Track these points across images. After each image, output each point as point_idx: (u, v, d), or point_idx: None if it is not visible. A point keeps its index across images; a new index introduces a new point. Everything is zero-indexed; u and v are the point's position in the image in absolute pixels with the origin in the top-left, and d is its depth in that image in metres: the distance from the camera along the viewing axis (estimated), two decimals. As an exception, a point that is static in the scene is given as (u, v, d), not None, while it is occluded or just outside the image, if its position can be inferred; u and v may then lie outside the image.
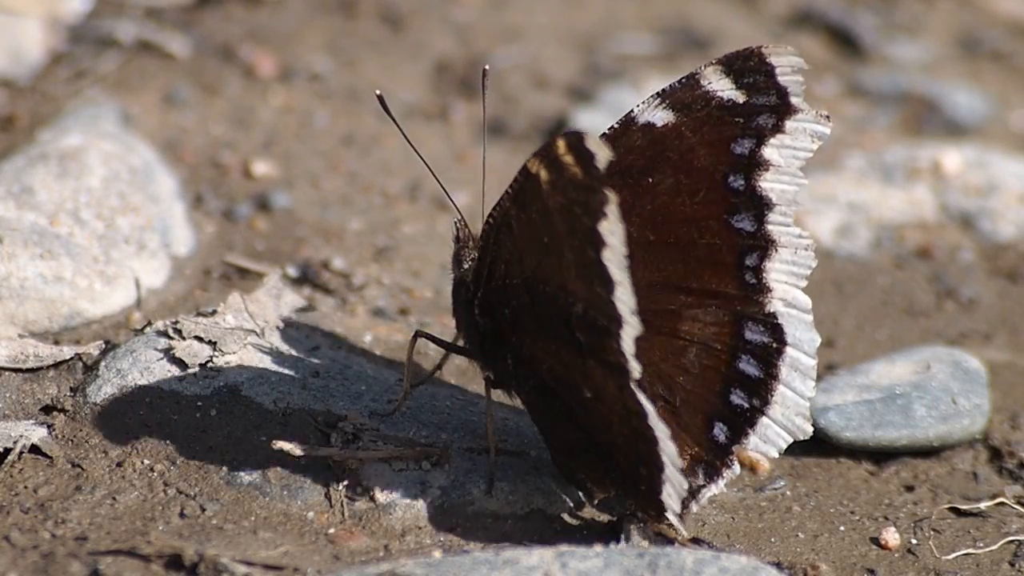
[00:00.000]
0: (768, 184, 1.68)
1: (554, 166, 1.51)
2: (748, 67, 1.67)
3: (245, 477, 1.70)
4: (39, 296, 1.88)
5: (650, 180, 1.67)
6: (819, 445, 1.81)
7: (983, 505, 1.76)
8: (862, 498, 1.77)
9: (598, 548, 1.58)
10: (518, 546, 1.59)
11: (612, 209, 1.48)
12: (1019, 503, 1.77)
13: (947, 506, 1.76)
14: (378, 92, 1.70)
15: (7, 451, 1.70)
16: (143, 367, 1.78)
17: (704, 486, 1.66)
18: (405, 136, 1.74)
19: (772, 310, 1.67)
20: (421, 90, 2.39)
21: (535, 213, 1.56)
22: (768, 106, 1.67)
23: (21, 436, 1.71)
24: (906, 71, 2.51)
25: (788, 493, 1.77)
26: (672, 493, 1.59)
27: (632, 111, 1.68)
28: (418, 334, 1.72)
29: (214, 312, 1.85)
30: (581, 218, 1.50)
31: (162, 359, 1.79)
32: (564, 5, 2.59)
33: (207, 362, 1.79)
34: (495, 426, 1.69)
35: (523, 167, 1.54)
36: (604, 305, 1.52)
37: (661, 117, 1.67)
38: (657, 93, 1.68)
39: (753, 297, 1.68)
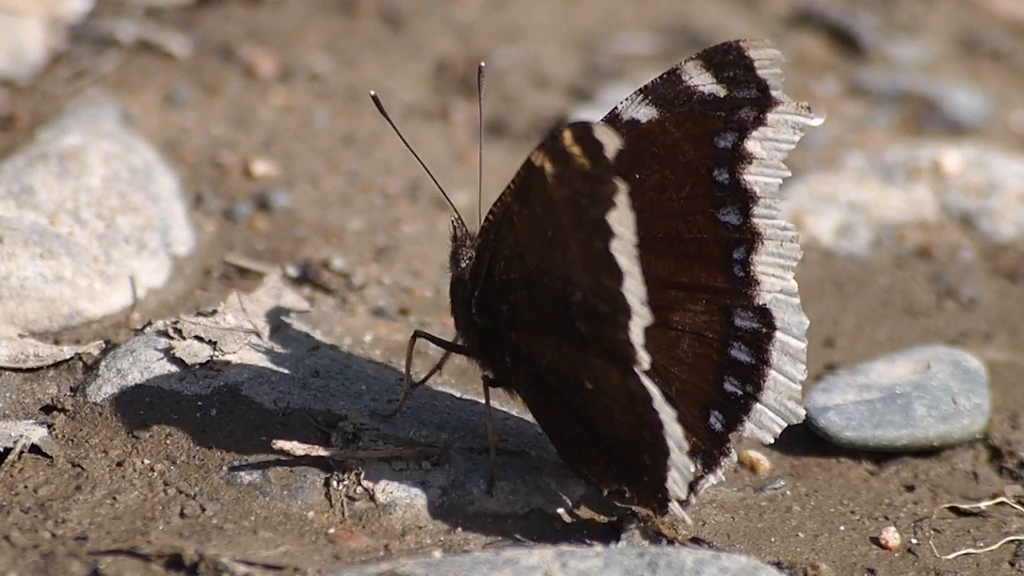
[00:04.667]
0: (752, 177, 1.68)
1: (560, 158, 1.51)
2: (727, 61, 1.68)
3: (245, 477, 1.70)
4: (39, 296, 1.88)
5: (637, 176, 1.68)
6: (819, 445, 1.81)
7: (983, 505, 1.76)
8: (862, 498, 1.77)
9: (598, 548, 1.58)
10: (518, 546, 1.59)
11: (622, 199, 1.49)
12: (1019, 503, 1.77)
13: (947, 506, 1.76)
14: (373, 93, 1.70)
15: (7, 451, 1.70)
16: (143, 367, 1.78)
17: (702, 476, 1.67)
18: (401, 137, 1.74)
19: (761, 302, 1.68)
20: (421, 90, 2.39)
21: (539, 207, 1.56)
22: (749, 99, 1.68)
23: (21, 436, 1.71)
24: (906, 71, 2.51)
25: (788, 493, 1.77)
26: (678, 479, 1.59)
27: (616, 108, 1.68)
28: (417, 334, 1.72)
29: (214, 312, 1.85)
30: (588, 209, 1.50)
31: (162, 359, 1.79)
32: (564, 5, 2.59)
33: (207, 362, 1.79)
34: (495, 426, 1.69)
35: (526, 160, 1.54)
36: (613, 296, 1.52)
37: (645, 113, 1.68)
38: (639, 90, 1.68)
39: (742, 290, 1.68)
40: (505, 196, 1.61)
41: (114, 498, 1.67)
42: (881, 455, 1.81)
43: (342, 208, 2.14)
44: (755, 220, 1.68)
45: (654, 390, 1.56)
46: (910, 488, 1.79)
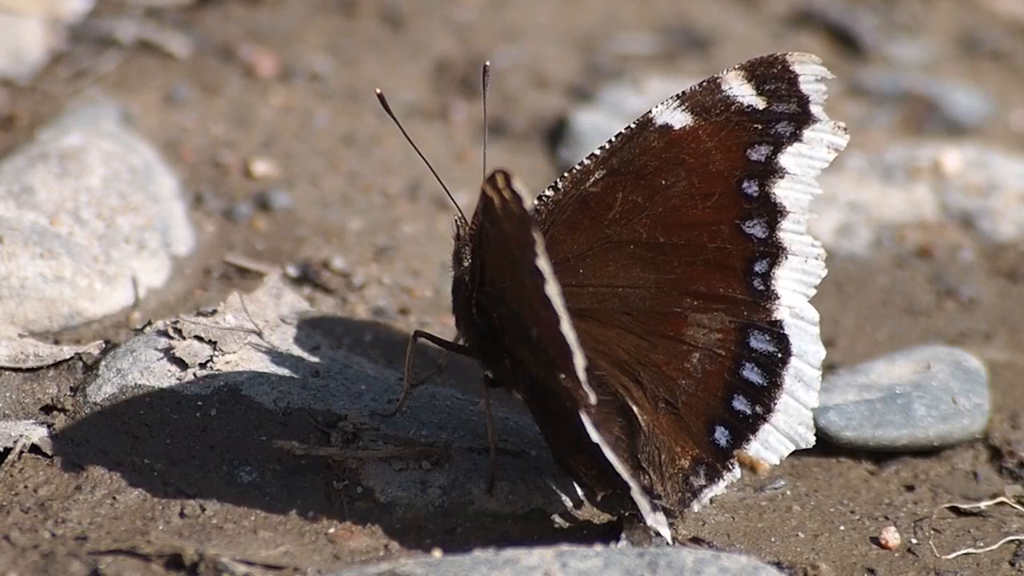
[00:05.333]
0: (782, 191, 1.68)
1: (501, 196, 1.52)
2: (771, 74, 1.68)
3: (245, 477, 1.70)
4: (39, 296, 1.88)
5: (663, 181, 1.68)
6: (819, 445, 1.81)
7: (983, 505, 1.76)
8: (862, 498, 1.77)
9: (598, 548, 1.58)
10: (518, 546, 1.59)
11: (542, 249, 1.49)
12: (1019, 503, 1.77)
13: (947, 506, 1.76)
14: (378, 91, 1.70)
15: (7, 451, 1.70)
16: (143, 367, 1.78)
17: (705, 486, 1.66)
18: (405, 134, 1.74)
19: (778, 318, 1.68)
20: (421, 90, 2.39)
21: (498, 234, 1.57)
22: (788, 114, 1.68)
23: (21, 436, 1.71)
24: (906, 71, 2.51)
25: (788, 493, 1.77)
26: (643, 504, 1.60)
27: (651, 112, 1.69)
28: (417, 334, 1.72)
29: (214, 312, 1.85)
30: (526, 249, 1.50)
31: (162, 359, 1.79)
32: (564, 5, 2.59)
33: (207, 362, 1.79)
34: (495, 426, 1.69)
35: (482, 190, 1.55)
36: (555, 333, 1.52)
37: (679, 119, 1.68)
38: (677, 95, 1.69)
39: (760, 303, 1.68)
40: (477, 213, 1.61)
41: (114, 498, 1.67)
42: (881, 455, 1.81)
43: (342, 208, 2.14)
44: (781, 234, 1.68)
45: (597, 437, 1.56)
46: (910, 488, 1.79)
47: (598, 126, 2.31)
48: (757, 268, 1.68)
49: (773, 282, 1.68)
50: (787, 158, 1.68)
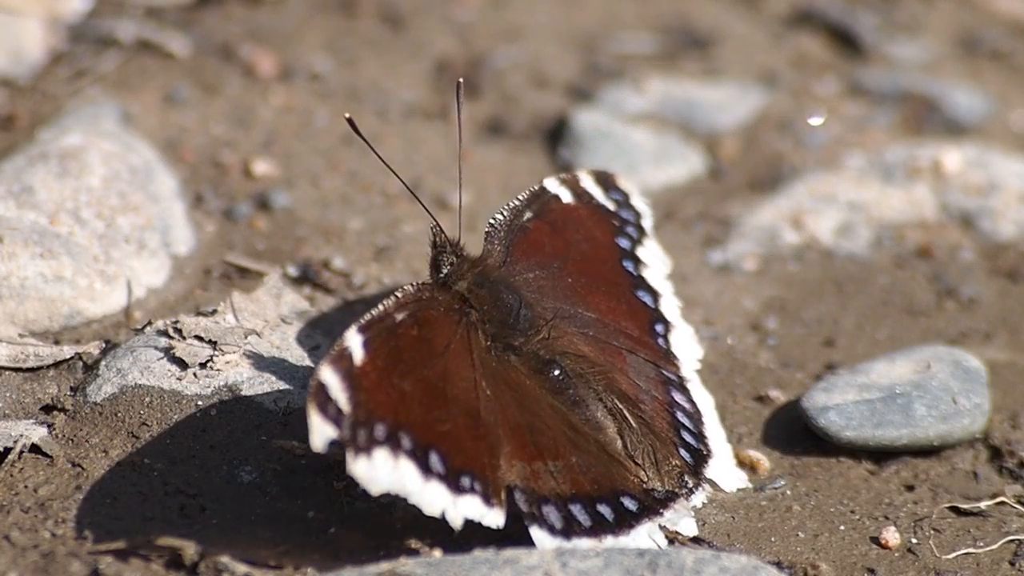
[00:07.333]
0: (651, 276, 1.80)
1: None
2: (610, 185, 1.83)
3: (245, 476, 1.70)
4: (39, 295, 1.88)
5: (571, 236, 1.79)
6: (819, 445, 1.81)
7: (983, 504, 1.76)
8: (862, 497, 1.77)
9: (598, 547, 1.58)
10: (518, 545, 1.59)
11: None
12: (1019, 502, 1.77)
13: (947, 505, 1.76)
14: (348, 116, 1.74)
15: (7, 451, 1.70)
16: (143, 366, 1.78)
17: (692, 491, 1.67)
18: (376, 154, 1.77)
19: (685, 375, 1.76)
20: (421, 90, 2.39)
21: None
22: (631, 221, 1.82)
23: (21, 435, 1.71)
24: (906, 71, 2.51)
25: (788, 492, 1.77)
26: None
27: (543, 182, 1.80)
28: None
29: (214, 312, 1.85)
30: None
31: (162, 359, 1.79)
32: (564, 5, 2.59)
33: (207, 362, 1.79)
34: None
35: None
36: None
37: (565, 195, 1.80)
38: (556, 177, 1.80)
39: (668, 358, 1.76)
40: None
41: (114, 498, 1.67)
42: (881, 455, 1.81)
43: (342, 208, 2.14)
44: (663, 309, 1.79)
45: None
46: (910, 488, 1.79)
47: (598, 126, 2.31)
48: (657, 329, 1.78)
49: (671, 344, 1.78)
50: (643, 251, 1.81)
